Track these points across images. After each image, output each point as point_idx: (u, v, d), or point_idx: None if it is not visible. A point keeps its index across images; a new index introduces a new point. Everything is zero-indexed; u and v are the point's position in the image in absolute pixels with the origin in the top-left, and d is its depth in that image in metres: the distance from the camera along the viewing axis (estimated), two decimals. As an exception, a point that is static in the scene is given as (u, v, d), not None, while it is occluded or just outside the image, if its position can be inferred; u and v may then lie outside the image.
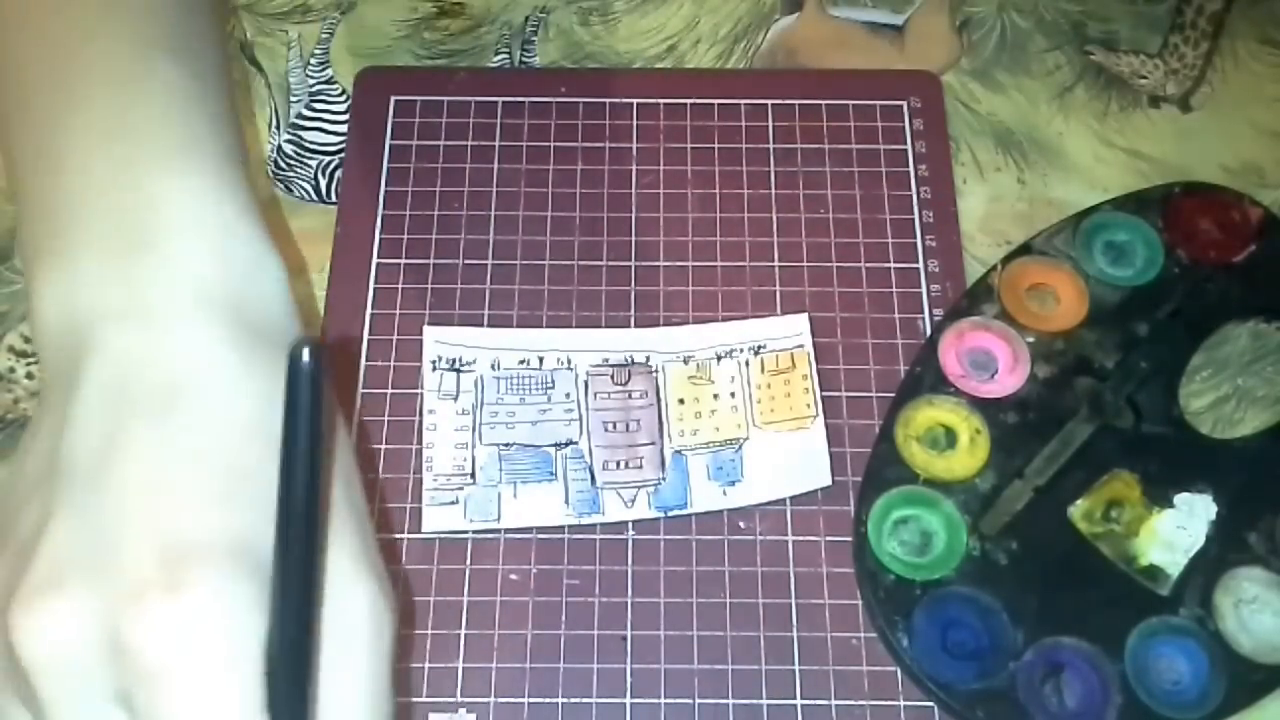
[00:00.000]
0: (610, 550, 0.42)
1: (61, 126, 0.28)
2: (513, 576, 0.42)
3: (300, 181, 0.50)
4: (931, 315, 0.46)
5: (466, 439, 0.44)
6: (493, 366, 0.45)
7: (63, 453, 0.25)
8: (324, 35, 0.54)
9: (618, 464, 0.43)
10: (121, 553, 0.23)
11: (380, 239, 0.48)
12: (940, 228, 0.48)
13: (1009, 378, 0.44)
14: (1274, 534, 0.41)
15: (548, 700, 0.40)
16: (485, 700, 0.40)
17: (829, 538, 0.42)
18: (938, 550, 0.41)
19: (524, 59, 0.53)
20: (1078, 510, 0.42)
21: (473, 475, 0.43)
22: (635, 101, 0.51)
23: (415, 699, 0.40)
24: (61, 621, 0.22)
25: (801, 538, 0.43)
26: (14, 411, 0.46)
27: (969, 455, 0.43)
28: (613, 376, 0.45)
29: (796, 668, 0.41)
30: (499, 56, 0.53)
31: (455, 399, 0.44)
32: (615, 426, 0.44)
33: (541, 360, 0.45)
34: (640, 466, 0.43)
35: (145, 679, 0.22)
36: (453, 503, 0.43)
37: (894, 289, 0.47)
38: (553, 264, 0.48)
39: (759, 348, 0.45)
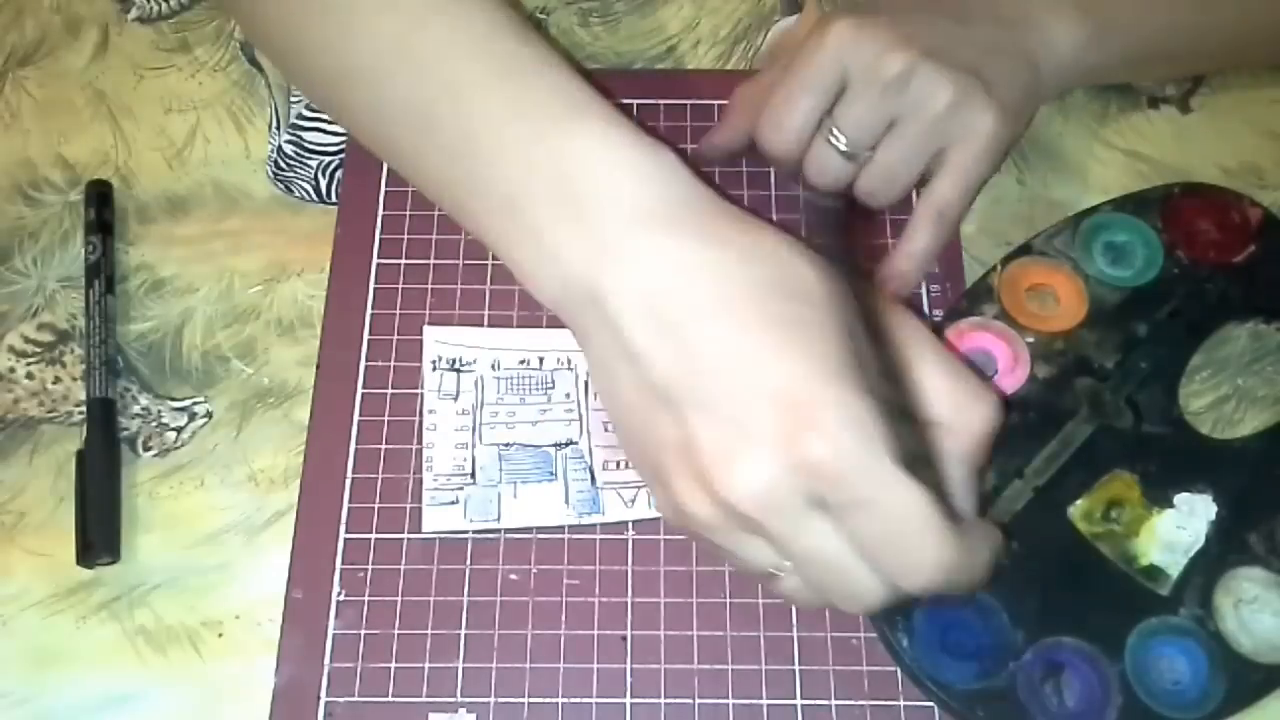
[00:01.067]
0: (610, 550, 0.42)
1: (474, 134, 0.34)
2: (513, 576, 0.42)
3: (300, 182, 0.50)
4: (931, 315, 0.46)
5: (467, 439, 0.44)
6: (493, 366, 0.45)
7: (652, 376, 0.31)
8: (324, 36, 0.54)
9: (618, 464, 0.43)
10: (753, 416, 0.30)
11: (380, 239, 0.48)
12: (940, 228, 0.48)
13: (1009, 378, 0.44)
14: (1274, 534, 0.41)
15: (548, 700, 0.40)
16: (485, 700, 0.40)
17: (829, 538, 0.42)
18: (938, 550, 0.41)
19: (524, 59, 0.53)
20: (1078, 510, 0.42)
21: (473, 475, 0.43)
22: (635, 102, 0.51)
23: (415, 699, 0.40)
24: (755, 472, 0.30)
25: (801, 538, 0.43)
26: (14, 411, 0.46)
27: (969, 455, 0.43)
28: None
29: (796, 668, 0.41)
30: (499, 57, 0.53)
31: (455, 399, 0.44)
32: (606, 424, 0.44)
33: (541, 360, 0.45)
34: None
35: (831, 480, 0.29)
36: (453, 503, 0.43)
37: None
38: (553, 264, 0.48)
39: None
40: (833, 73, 0.42)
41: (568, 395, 0.45)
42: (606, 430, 0.44)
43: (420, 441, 0.44)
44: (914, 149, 0.43)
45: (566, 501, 0.43)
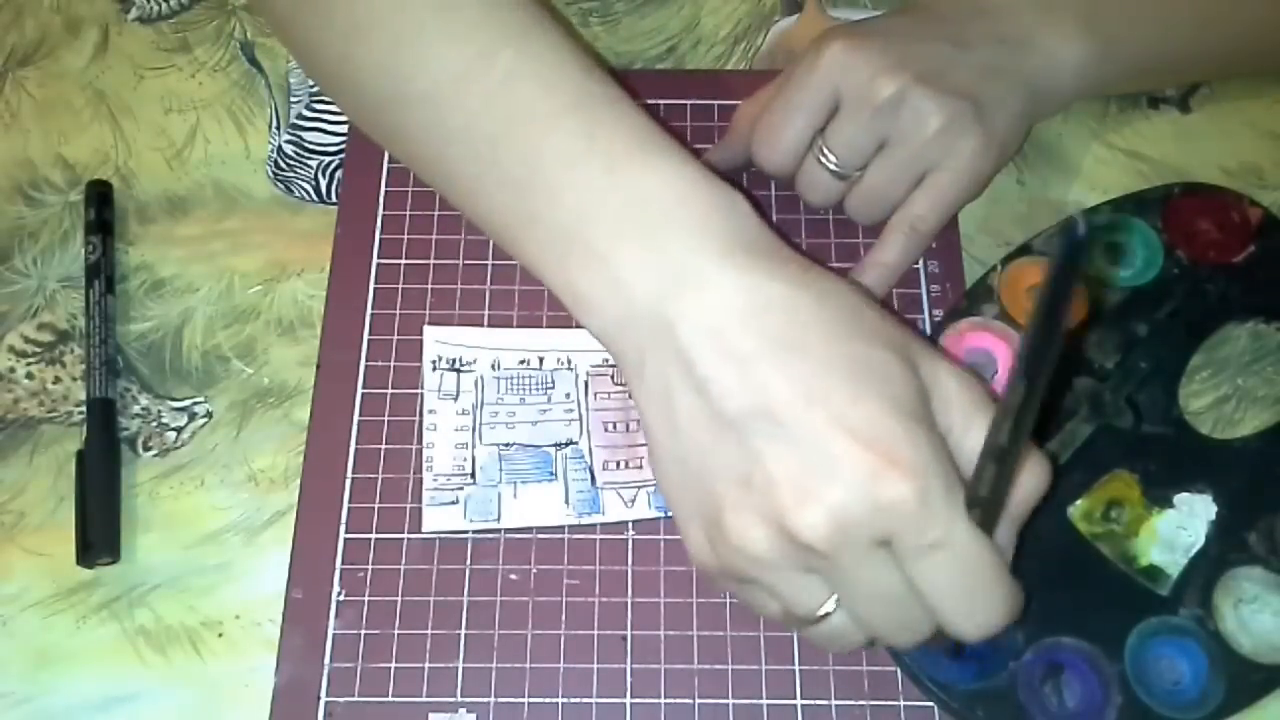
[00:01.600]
0: (610, 550, 0.42)
1: (540, 164, 0.35)
2: (513, 576, 0.42)
3: (300, 182, 0.50)
4: (931, 315, 0.46)
5: (467, 439, 0.44)
6: (493, 366, 0.45)
7: (722, 406, 0.31)
8: (324, 36, 0.54)
9: (618, 464, 0.43)
10: (833, 452, 0.30)
11: (380, 239, 0.48)
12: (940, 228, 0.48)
13: (1009, 378, 0.44)
14: (1274, 534, 0.41)
15: (548, 700, 0.40)
16: (485, 700, 0.40)
17: (829, 538, 0.42)
18: (938, 550, 0.41)
19: (524, 59, 0.53)
20: (1078, 510, 0.42)
21: (473, 475, 0.43)
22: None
23: (415, 699, 0.40)
24: (833, 509, 0.30)
25: (801, 538, 0.43)
26: (14, 411, 0.46)
27: (969, 455, 0.43)
28: (613, 377, 0.45)
29: (796, 668, 0.41)
30: (499, 57, 0.53)
31: (455, 399, 0.44)
32: (615, 426, 0.44)
33: (542, 360, 0.45)
34: (640, 467, 0.43)
35: (909, 519, 0.30)
36: (453, 503, 0.43)
37: (894, 289, 0.47)
38: (553, 264, 0.48)
39: None
40: (825, 93, 0.43)
41: (568, 395, 0.45)
42: (606, 431, 0.44)
43: (420, 441, 0.44)
44: (901, 171, 0.44)
45: (566, 502, 0.43)
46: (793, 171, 0.45)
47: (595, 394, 0.45)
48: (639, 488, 0.43)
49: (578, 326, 0.45)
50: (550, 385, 0.45)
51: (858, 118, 0.43)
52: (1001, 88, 0.44)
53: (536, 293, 0.47)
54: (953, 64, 0.43)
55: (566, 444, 0.44)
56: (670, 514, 0.42)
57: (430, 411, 0.44)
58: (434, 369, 0.45)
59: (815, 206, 0.46)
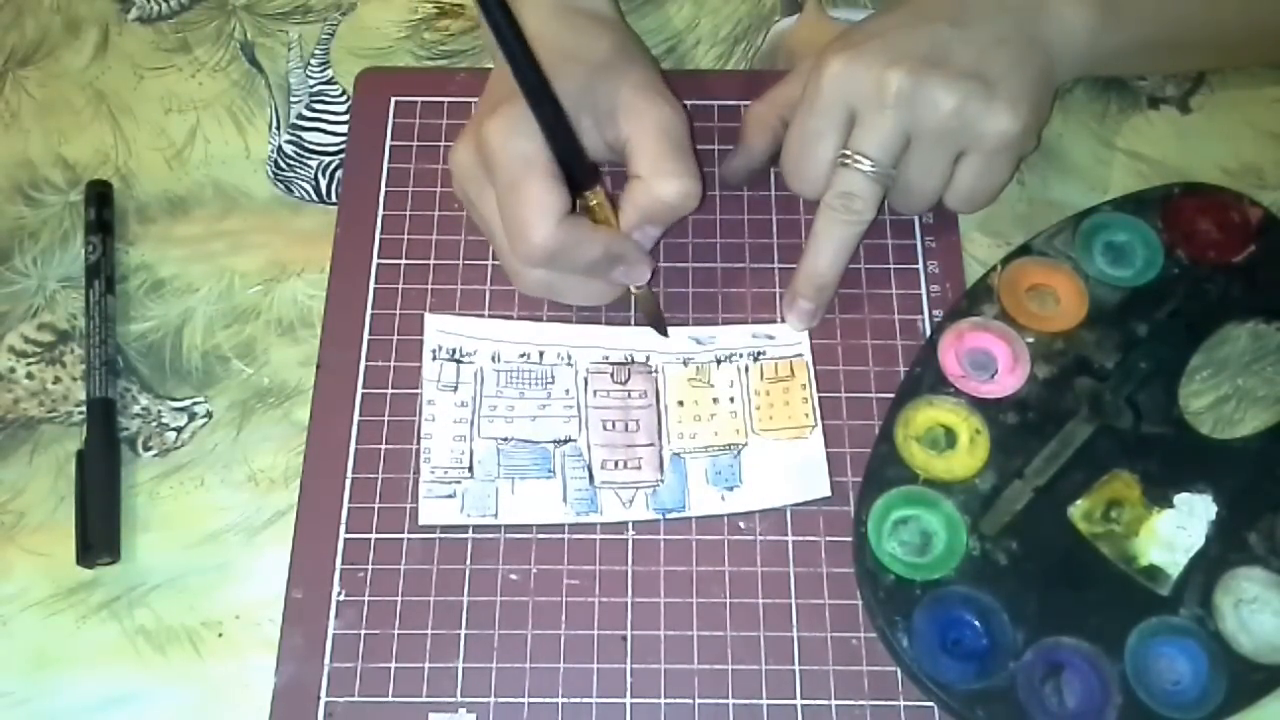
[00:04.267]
0: (610, 550, 0.42)
1: None
2: (513, 576, 0.42)
3: (300, 182, 0.50)
4: (931, 315, 0.46)
5: (465, 431, 0.44)
6: (493, 359, 0.45)
7: None
8: (324, 36, 0.54)
9: (616, 464, 0.43)
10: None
11: (380, 239, 0.48)
12: (940, 228, 0.48)
13: (1009, 378, 0.44)
14: (1274, 534, 0.41)
15: (548, 700, 0.40)
16: (485, 700, 0.40)
17: (829, 538, 0.42)
18: (938, 550, 0.41)
19: (524, 60, 0.53)
20: (1078, 510, 0.42)
21: (470, 469, 0.43)
22: (635, 102, 0.51)
23: (415, 699, 0.40)
24: (462, 144, 0.44)
25: (801, 538, 0.43)
26: (14, 411, 0.46)
27: (969, 455, 0.43)
28: (613, 375, 0.45)
29: (796, 668, 0.41)
30: (499, 57, 0.53)
31: (455, 390, 0.44)
32: (614, 425, 0.44)
33: (542, 354, 0.45)
34: (639, 467, 0.43)
35: (484, 155, 0.42)
36: (449, 496, 0.43)
37: (894, 289, 0.47)
38: (553, 264, 0.48)
39: (758, 354, 0.45)
40: (838, 111, 0.43)
41: (567, 392, 0.45)
42: (605, 429, 0.44)
43: (419, 441, 0.44)
44: (933, 160, 0.44)
45: (564, 499, 0.43)
46: (825, 190, 0.44)
47: (595, 391, 0.45)
48: (637, 488, 0.43)
49: (578, 322, 0.46)
50: (550, 380, 0.45)
51: (879, 119, 0.43)
52: (1011, 55, 0.43)
53: (536, 293, 0.47)
54: (954, 43, 0.43)
55: (565, 441, 0.44)
56: (669, 515, 0.42)
57: (429, 403, 0.44)
58: (434, 358, 0.45)
59: (859, 215, 0.44)
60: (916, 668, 0.39)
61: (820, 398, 0.45)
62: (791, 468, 0.43)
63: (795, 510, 0.43)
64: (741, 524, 0.43)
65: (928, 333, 0.46)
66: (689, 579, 0.42)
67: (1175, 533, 0.41)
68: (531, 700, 0.40)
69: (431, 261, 0.48)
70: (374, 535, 0.43)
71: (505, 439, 0.44)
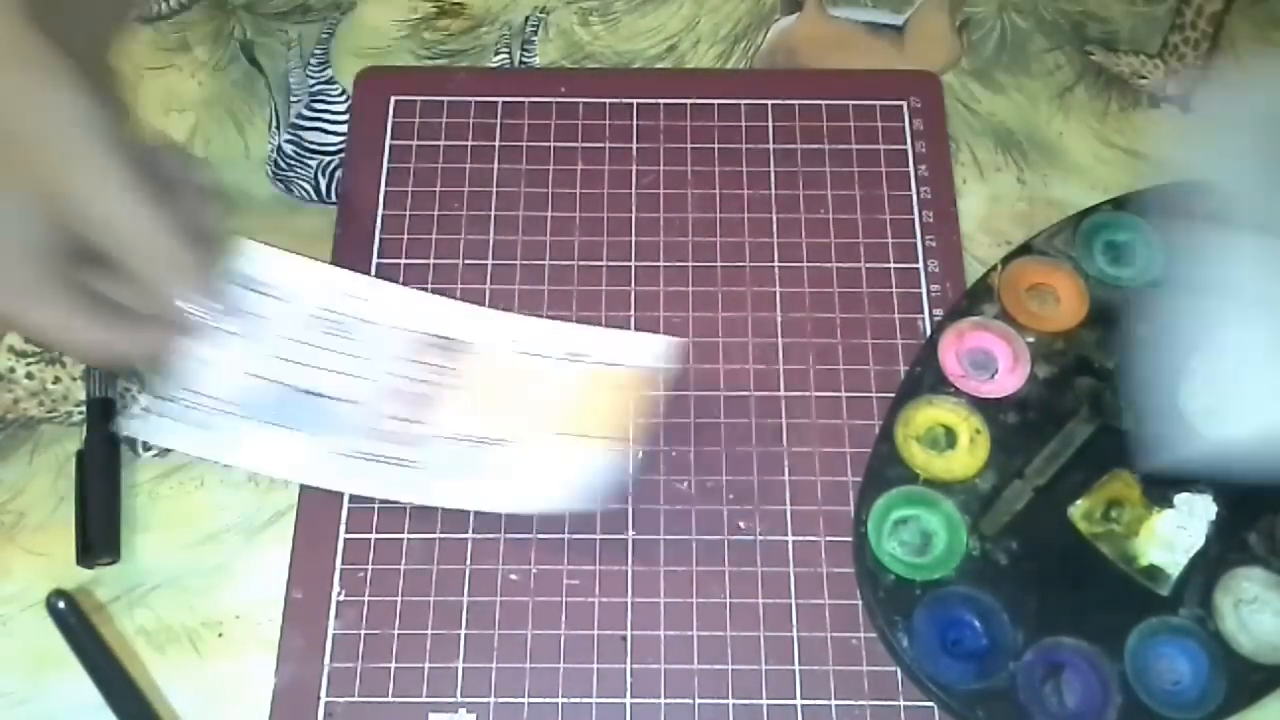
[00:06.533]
0: (610, 550, 0.42)
1: None
2: (513, 576, 0.42)
3: (300, 181, 0.50)
4: (931, 315, 0.46)
5: (242, 365, 0.40)
6: (293, 300, 0.41)
7: None
8: (324, 35, 0.54)
9: (382, 435, 0.41)
10: None
11: (380, 239, 0.48)
12: (940, 228, 0.48)
13: (1009, 378, 0.44)
14: (1274, 534, 0.41)
15: (548, 700, 0.40)
16: (485, 700, 0.40)
17: (829, 538, 0.42)
18: (938, 550, 0.41)
19: (524, 59, 0.53)
20: (1078, 510, 0.42)
21: (232, 404, 0.39)
22: (635, 101, 0.51)
23: (415, 699, 0.40)
24: None
25: (801, 538, 0.43)
26: (14, 411, 0.46)
27: (969, 455, 0.43)
28: (423, 349, 0.42)
29: (796, 668, 0.41)
30: (499, 56, 0.53)
31: (241, 320, 0.40)
32: (400, 397, 0.41)
33: (349, 309, 0.42)
34: (409, 443, 0.41)
35: None
36: (201, 427, 0.39)
37: (894, 289, 0.47)
38: (553, 264, 0.48)
39: (613, 363, 0.42)
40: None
41: (358, 355, 0.41)
42: (386, 400, 0.41)
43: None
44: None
45: (315, 458, 0.40)
46: None
47: (392, 358, 0.42)
48: (398, 465, 0.40)
49: (577, 324, 0.45)
50: (348, 336, 0.42)
51: None
52: None
53: (536, 292, 0.47)
54: None
55: (336, 399, 0.41)
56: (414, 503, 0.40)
57: (216, 327, 0.39)
58: (233, 283, 0.40)
59: None
60: (916, 668, 0.39)
61: (818, 397, 0.45)
62: (569, 471, 0.40)
63: (795, 510, 0.43)
64: (741, 524, 0.43)
65: (928, 332, 0.46)
66: (689, 579, 0.42)
67: (1175, 533, 0.41)
68: (531, 700, 0.40)
69: (431, 261, 0.48)
70: (374, 535, 0.43)
71: (281, 383, 0.40)
